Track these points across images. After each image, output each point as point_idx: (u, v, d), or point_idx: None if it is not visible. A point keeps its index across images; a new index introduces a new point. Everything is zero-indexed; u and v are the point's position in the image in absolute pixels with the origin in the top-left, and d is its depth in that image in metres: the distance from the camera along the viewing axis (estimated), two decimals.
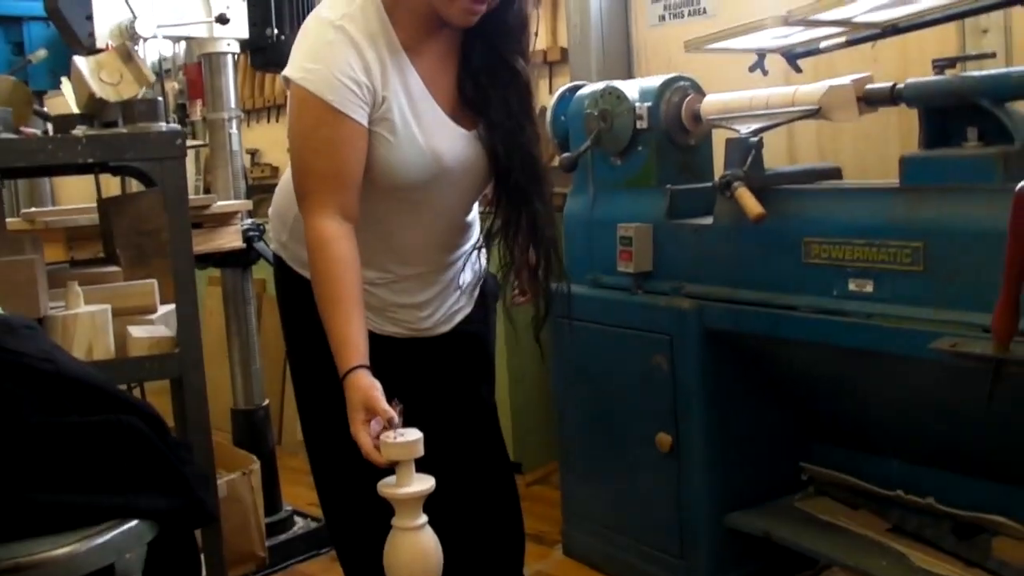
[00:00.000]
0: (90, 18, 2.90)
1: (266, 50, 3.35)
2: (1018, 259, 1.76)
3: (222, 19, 3.15)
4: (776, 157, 3.28)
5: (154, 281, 2.11)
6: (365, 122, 1.81)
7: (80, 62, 1.92)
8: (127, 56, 1.94)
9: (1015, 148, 2.19)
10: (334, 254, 1.78)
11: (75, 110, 2.13)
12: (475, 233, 2.18)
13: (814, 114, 2.52)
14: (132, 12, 2.93)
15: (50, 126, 1.98)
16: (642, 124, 2.91)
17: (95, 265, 2.31)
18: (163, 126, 1.82)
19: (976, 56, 2.50)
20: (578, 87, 3.28)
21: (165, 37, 3.15)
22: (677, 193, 2.89)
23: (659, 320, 2.83)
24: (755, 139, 2.58)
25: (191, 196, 2.88)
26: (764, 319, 2.57)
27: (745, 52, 3.05)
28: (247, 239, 3.15)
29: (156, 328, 2.03)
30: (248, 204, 3.14)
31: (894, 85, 2.40)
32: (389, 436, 1.65)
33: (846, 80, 2.47)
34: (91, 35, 2.91)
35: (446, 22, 1.87)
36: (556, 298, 2.13)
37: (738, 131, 2.68)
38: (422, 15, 1.87)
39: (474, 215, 2.17)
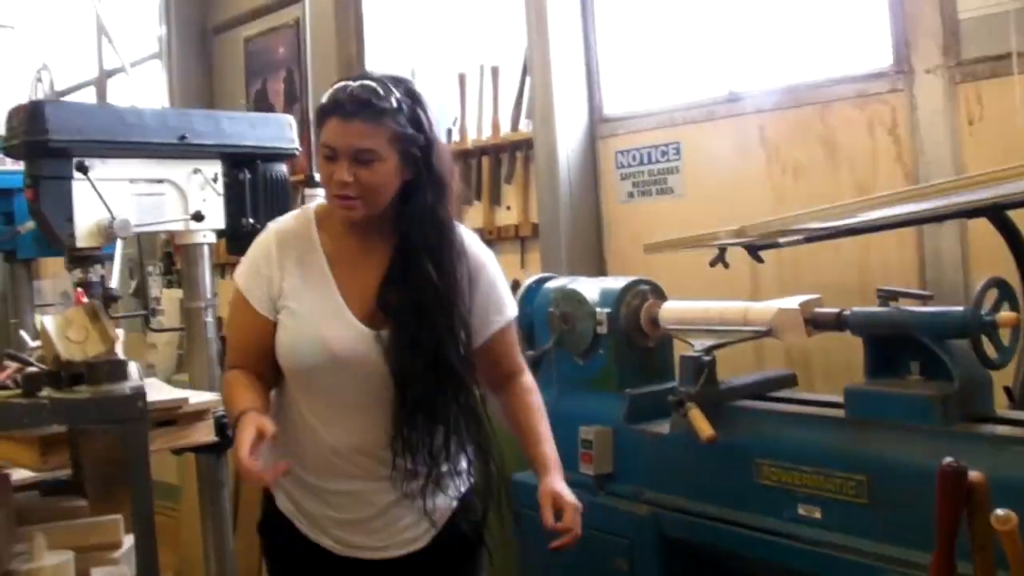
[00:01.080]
0: (70, 220, 2.98)
1: (242, 238, 3.44)
2: (948, 527, 1.83)
3: (198, 217, 3.24)
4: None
5: (119, 519, 2.16)
6: (264, 309, 2.06)
7: (48, 322, 2.01)
8: (94, 315, 2.03)
9: (954, 388, 2.27)
10: (231, 377, 2.06)
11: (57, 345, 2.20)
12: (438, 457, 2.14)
13: (764, 335, 2.62)
14: (111, 212, 3.02)
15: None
16: (602, 329, 3.00)
17: (63, 493, 2.37)
18: (127, 388, 1.89)
19: (917, 295, 2.60)
20: (545, 279, 3.38)
21: (142, 233, 3.25)
22: (637, 397, 2.96)
23: (619, 524, 2.86)
24: (708, 358, 2.67)
25: (165, 397, 2.98)
26: (718, 533, 2.61)
27: (707, 247, 3.15)
28: (220, 428, 3.18)
29: (119, 570, 2.08)
30: (218, 401, 3.18)
31: (840, 312, 2.49)
32: None
33: (794, 303, 2.56)
34: (71, 235, 3.00)
35: (357, 225, 2.06)
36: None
37: (692, 345, 2.77)
38: (345, 226, 2.09)
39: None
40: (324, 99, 2.02)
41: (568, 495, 2.12)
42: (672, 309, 2.91)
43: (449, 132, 4.79)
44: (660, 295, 3.06)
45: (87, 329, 2.02)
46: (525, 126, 4.49)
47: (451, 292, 2.06)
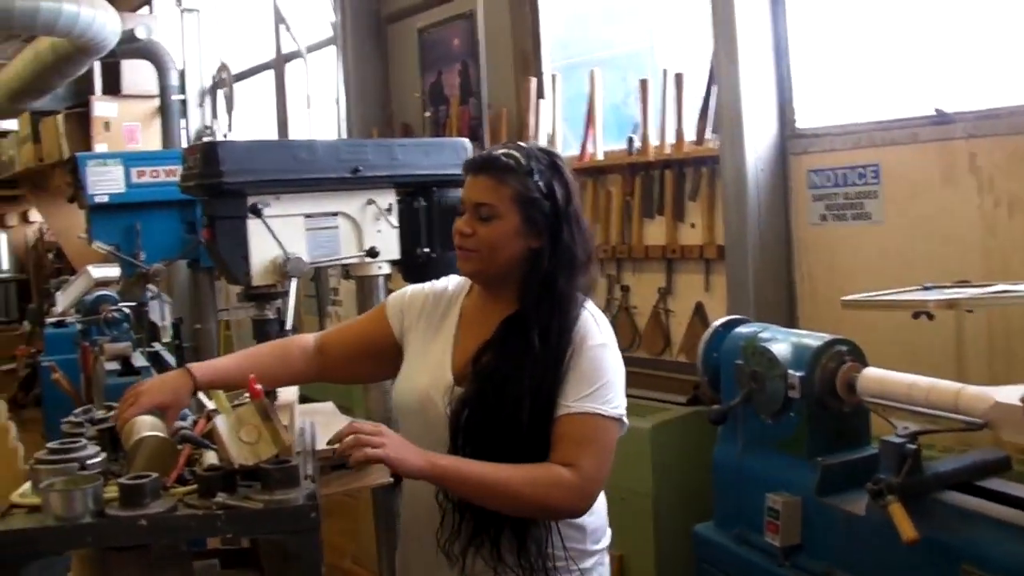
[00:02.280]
0: (246, 258, 3.00)
1: (417, 267, 3.39)
2: None
3: (372, 253, 3.20)
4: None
5: None
6: (393, 323, 2.27)
7: (220, 422, 1.99)
8: (265, 414, 2.00)
9: None
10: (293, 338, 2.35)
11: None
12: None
13: (978, 427, 2.39)
14: (284, 252, 3.02)
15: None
16: (794, 393, 2.82)
17: (242, 564, 2.38)
18: (300, 497, 1.86)
19: None
20: (733, 323, 3.23)
21: (315, 267, 3.24)
22: (830, 467, 2.79)
23: None
24: (913, 446, 2.46)
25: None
26: None
27: (908, 307, 2.94)
28: None
29: None
30: None
31: None
32: None
33: (1015, 396, 2.33)
34: (247, 274, 3.01)
35: (483, 286, 2.16)
36: None
37: (894, 426, 2.57)
38: (481, 290, 2.20)
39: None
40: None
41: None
42: (873, 378, 2.70)
43: (630, 141, 4.62)
44: (859, 357, 2.86)
45: (259, 429, 1.99)
46: (711, 139, 4.27)
47: (544, 368, 2.01)
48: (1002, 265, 3.37)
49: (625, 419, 2.06)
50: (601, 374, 2.04)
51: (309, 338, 2.37)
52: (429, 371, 2.15)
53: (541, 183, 2.05)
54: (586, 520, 2.11)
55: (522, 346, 2.02)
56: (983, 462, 2.65)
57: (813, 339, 2.91)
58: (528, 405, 1.99)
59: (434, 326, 2.22)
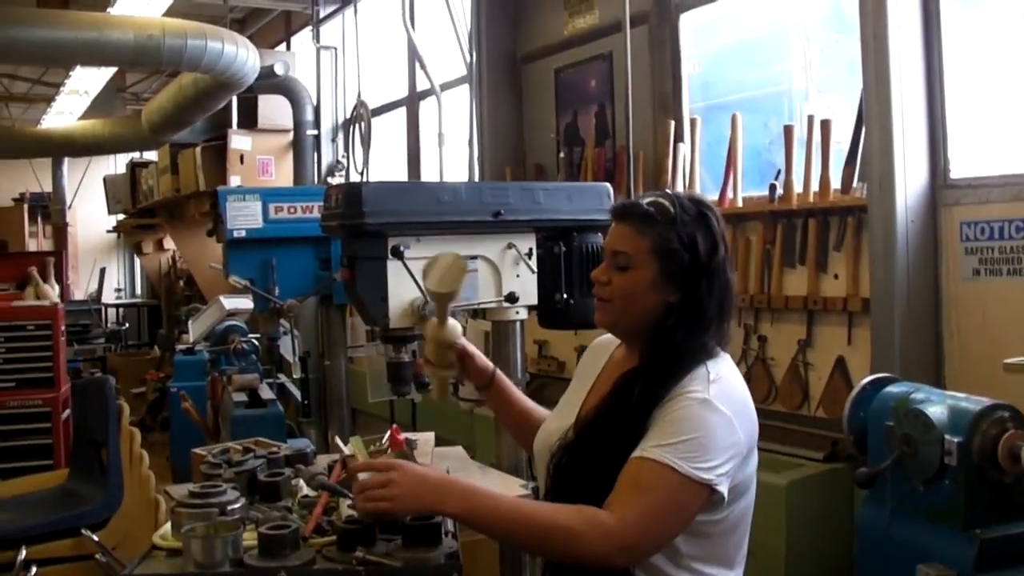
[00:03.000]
0: (384, 300, 2.99)
1: (554, 313, 3.36)
2: None
3: (511, 298, 3.18)
4: None
5: None
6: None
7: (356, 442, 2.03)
8: (403, 455, 2.01)
9: None
10: None
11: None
12: None
13: None
14: (424, 295, 3.00)
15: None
16: (950, 460, 2.69)
17: None
18: (442, 556, 1.83)
19: None
20: (883, 382, 3.11)
21: (460, 311, 3.22)
22: (990, 541, 2.65)
23: None
24: None
25: None
26: None
27: None
28: None
29: None
30: (529, 494, 3.09)
31: None
32: None
33: None
34: (385, 316, 3.01)
35: (627, 343, 2.12)
36: None
37: None
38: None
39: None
40: None
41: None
42: None
43: (772, 187, 4.52)
44: (1022, 424, 2.72)
45: None
46: (858, 187, 4.14)
47: (637, 417, 1.90)
48: None
49: (718, 488, 1.83)
50: (692, 428, 1.84)
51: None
52: (559, 417, 2.16)
53: (684, 234, 1.96)
54: None
55: (624, 396, 1.97)
56: None
57: (971, 403, 2.79)
58: (615, 452, 1.88)
59: (584, 375, 2.23)
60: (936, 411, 2.79)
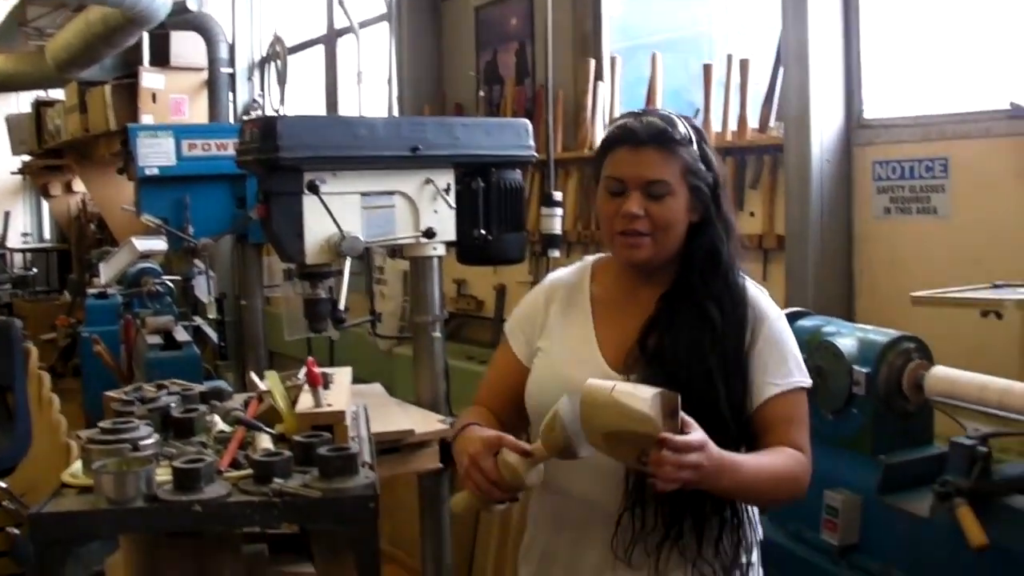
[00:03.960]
0: (300, 236, 2.99)
1: (474, 249, 3.39)
2: None
3: (429, 233, 3.20)
4: None
5: None
6: (521, 355, 2.10)
7: (280, 399, 2.02)
8: (317, 394, 2.03)
9: None
10: (472, 409, 2.08)
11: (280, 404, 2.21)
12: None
13: None
14: (340, 231, 3.01)
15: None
16: (859, 390, 2.79)
17: (290, 550, 2.40)
18: (360, 487, 1.85)
19: None
20: (796, 316, 3.18)
21: (377, 247, 3.24)
22: (893, 466, 2.75)
23: None
24: (984, 448, 2.43)
25: (392, 429, 2.98)
26: None
27: (981, 306, 2.90)
28: (445, 453, 3.12)
29: None
30: (447, 429, 3.14)
31: None
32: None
33: None
34: (301, 252, 3.01)
35: (636, 269, 2.00)
36: None
37: (963, 426, 2.54)
38: (618, 273, 2.07)
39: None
40: (611, 128, 2.01)
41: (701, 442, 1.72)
42: (941, 378, 2.67)
43: None
44: (926, 355, 2.82)
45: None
46: (775, 127, 4.22)
47: (732, 337, 1.92)
48: None
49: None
50: (792, 345, 2.00)
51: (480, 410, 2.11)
52: (576, 365, 1.96)
53: (699, 151, 1.95)
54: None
55: (697, 320, 1.92)
56: None
57: (879, 335, 2.88)
58: (722, 380, 1.88)
59: (565, 321, 2.06)
60: (846, 343, 2.88)
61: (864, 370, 2.78)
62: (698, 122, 2.12)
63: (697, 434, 1.70)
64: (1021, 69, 3.57)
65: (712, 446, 1.72)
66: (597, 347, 2.00)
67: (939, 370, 2.71)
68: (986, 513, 2.38)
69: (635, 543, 1.90)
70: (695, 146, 1.94)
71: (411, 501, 3.52)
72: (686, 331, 1.92)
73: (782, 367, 1.96)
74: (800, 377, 1.98)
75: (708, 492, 1.81)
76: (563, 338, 2.05)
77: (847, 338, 2.90)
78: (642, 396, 1.69)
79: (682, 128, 1.93)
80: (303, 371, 2.34)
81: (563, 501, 1.99)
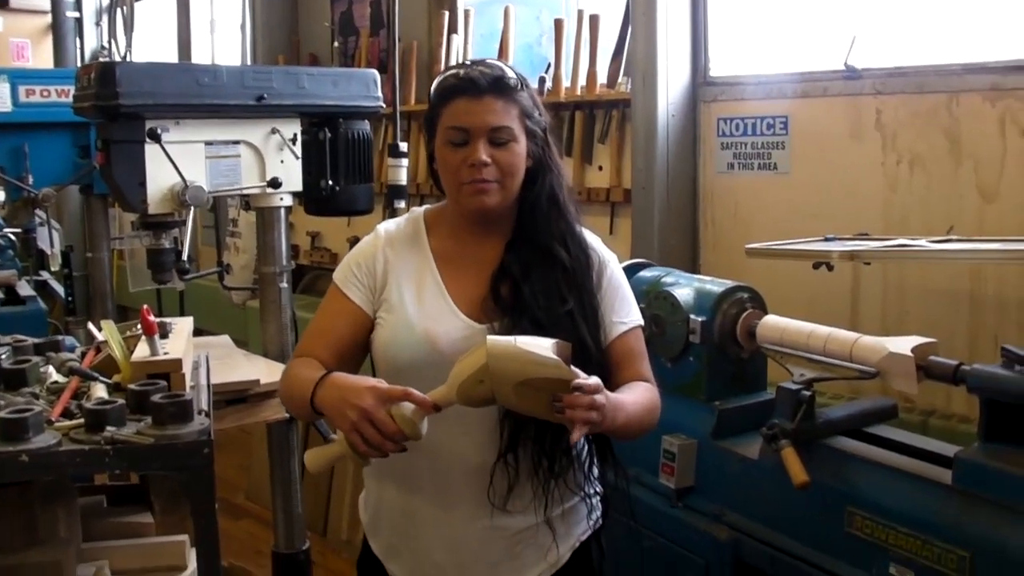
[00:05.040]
0: (143, 185, 2.93)
1: (321, 201, 3.37)
2: None
3: (274, 183, 3.16)
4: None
5: (185, 540, 2.17)
6: (360, 300, 2.04)
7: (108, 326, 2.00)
8: (153, 343, 2.01)
9: None
10: (300, 361, 2.00)
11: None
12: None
13: (870, 376, 2.48)
14: (184, 180, 2.96)
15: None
16: (695, 338, 2.89)
17: (129, 502, 2.37)
18: (194, 432, 1.84)
19: None
20: (638, 267, 3.27)
21: (215, 196, 3.19)
22: (726, 412, 2.87)
23: (696, 543, 2.79)
24: (808, 392, 2.55)
25: (237, 379, 2.96)
26: (800, 573, 2.54)
27: (810, 257, 3.02)
28: None
29: None
30: None
31: (958, 366, 2.33)
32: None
33: (906, 347, 2.41)
34: (143, 202, 2.95)
35: (476, 220, 2.02)
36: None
37: (790, 372, 2.65)
38: (456, 226, 2.07)
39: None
40: (445, 79, 1.99)
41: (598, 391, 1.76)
42: (772, 326, 2.78)
43: (541, 80, 4.62)
44: (759, 305, 2.94)
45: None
46: (623, 82, 4.30)
47: (582, 277, 1.99)
48: (901, 220, 3.49)
49: None
50: (625, 285, 2.09)
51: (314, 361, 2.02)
52: (431, 319, 1.97)
53: (532, 96, 2.00)
54: None
55: (548, 264, 1.97)
56: (872, 409, 2.76)
57: (715, 285, 2.98)
58: (582, 318, 1.95)
59: (409, 276, 2.04)
60: (683, 293, 2.97)
61: (700, 319, 2.88)
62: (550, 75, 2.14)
63: (594, 377, 1.75)
64: (856, 31, 3.70)
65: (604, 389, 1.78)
66: (451, 300, 2.00)
67: (770, 319, 2.82)
68: (809, 453, 2.50)
69: (511, 490, 1.96)
70: (525, 92, 1.98)
71: (259, 446, 3.52)
72: (539, 275, 1.97)
73: (625, 306, 2.07)
74: (638, 317, 2.10)
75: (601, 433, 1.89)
76: (413, 292, 2.02)
77: (685, 288, 2.99)
78: (545, 345, 1.74)
79: (513, 75, 1.97)
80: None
81: (422, 457, 1.97)
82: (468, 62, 2.00)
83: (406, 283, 2.03)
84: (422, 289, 2.02)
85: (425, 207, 2.17)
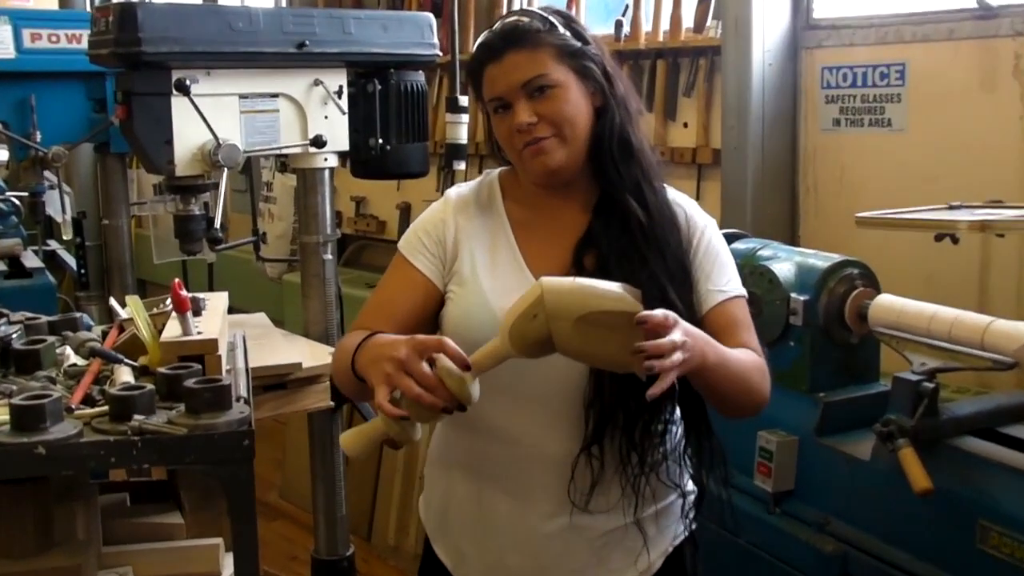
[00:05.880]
0: (169, 143, 2.94)
1: (368, 162, 3.36)
2: None
3: (318, 142, 3.16)
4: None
5: (219, 544, 2.17)
6: (428, 272, 2.05)
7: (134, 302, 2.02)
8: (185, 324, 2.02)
9: None
10: (354, 335, 1.96)
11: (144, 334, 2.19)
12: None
13: (1008, 367, 2.43)
14: (216, 137, 2.96)
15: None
16: (796, 320, 2.86)
17: (155, 500, 2.40)
18: (233, 422, 1.84)
19: None
20: (731, 238, 3.23)
21: (252, 156, 3.20)
22: (832, 405, 2.84)
23: (798, 555, 2.78)
24: (931, 384, 2.50)
25: (278, 362, 2.97)
26: None
27: (932, 228, 2.98)
28: (336, 390, 3.11)
29: None
30: None
31: None
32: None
33: None
34: (170, 162, 2.96)
35: (549, 184, 2.01)
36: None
37: (909, 361, 2.61)
38: (531, 191, 2.07)
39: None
40: (472, 56, 2.03)
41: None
42: (887, 307, 2.74)
43: (618, 25, 4.59)
44: (872, 282, 2.90)
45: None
46: (712, 26, 4.24)
47: (664, 235, 1.98)
48: None
49: None
50: (724, 252, 2.07)
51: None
52: (507, 294, 1.92)
53: (572, 31, 1.99)
54: None
55: (627, 225, 1.97)
56: (1007, 406, 2.71)
57: (820, 259, 2.95)
58: (667, 278, 1.94)
59: (484, 246, 2.05)
60: (783, 268, 2.94)
61: (802, 297, 2.85)
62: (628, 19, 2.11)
63: (663, 310, 1.72)
64: None
65: (683, 321, 1.74)
66: (530, 273, 2.00)
67: (885, 298, 2.78)
68: (931, 455, 2.47)
69: (595, 487, 1.96)
70: (562, 28, 1.97)
71: (305, 448, 3.54)
72: (621, 243, 1.97)
73: (723, 274, 2.04)
74: (739, 286, 2.07)
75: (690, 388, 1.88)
76: (487, 264, 2.04)
77: (785, 262, 2.96)
78: (609, 284, 1.73)
79: (530, 18, 1.97)
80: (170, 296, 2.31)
81: (495, 447, 2.00)
82: (494, 25, 2.02)
83: (480, 254, 2.05)
84: (497, 261, 2.04)
85: (500, 168, 2.16)
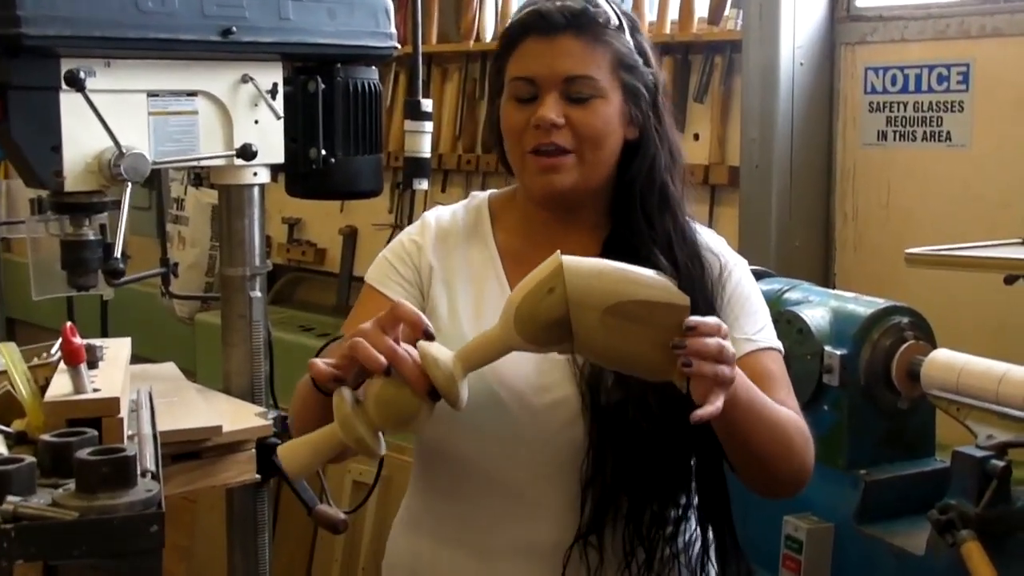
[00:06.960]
0: (56, 150, 2.91)
1: (308, 178, 3.35)
2: None
3: (247, 153, 3.14)
4: None
5: None
6: (397, 298, 1.95)
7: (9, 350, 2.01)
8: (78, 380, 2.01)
9: None
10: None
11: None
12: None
13: None
14: (116, 143, 2.94)
15: None
16: (831, 379, 2.86)
17: None
18: (138, 500, 1.81)
19: None
20: (754, 276, 3.25)
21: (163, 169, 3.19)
22: (876, 485, 2.84)
23: None
24: (1001, 462, 2.50)
25: (191, 426, 2.94)
26: None
27: (1000, 267, 2.99)
28: (264, 460, 3.10)
29: None
30: (268, 426, 3.10)
31: None
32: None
33: None
34: (57, 173, 2.93)
35: (551, 208, 2.04)
36: None
37: (973, 433, 2.61)
38: (529, 215, 2.10)
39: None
40: (515, 17, 2.04)
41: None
42: (945, 365, 2.74)
43: None
44: (925, 334, 2.91)
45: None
46: (731, 17, 4.28)
47: (689, 286, 1.92)
48: None
49: None
50: (755, 297, 2.12)
51: None
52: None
53: (637, 43, 2.00)
54: None
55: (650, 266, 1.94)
56: None
57: (861, 305, 2.96)
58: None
59: (467, 281, 2.08)
60: (815, 315, 2.93)
61: (839, 352, 2.85)
62: (628, 7, 2.13)
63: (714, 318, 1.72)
64: None
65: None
66: None
67: (942, 354, 2.78)
68: (1001, 551, 2.46)
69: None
70: (628, 35, 1.98)
71: (218, 532, 3.51)
72: None
73: (754, 321, 2.07)
74: (773, 337, 2.09)
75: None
76: (471, 305, 2.05)
77: (817, 308, 2.97)
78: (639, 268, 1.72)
79: (608, 8, 1.97)
80: (58, 343, 2.30)
81: (472, 528, 2.03)
82: None
83: (463, 293, 2.07)
84: (483, 300, 2.05)
85: (490, 191, 2.19)
